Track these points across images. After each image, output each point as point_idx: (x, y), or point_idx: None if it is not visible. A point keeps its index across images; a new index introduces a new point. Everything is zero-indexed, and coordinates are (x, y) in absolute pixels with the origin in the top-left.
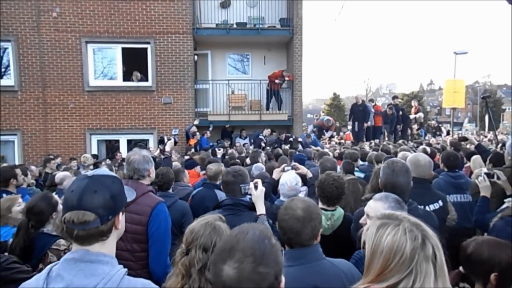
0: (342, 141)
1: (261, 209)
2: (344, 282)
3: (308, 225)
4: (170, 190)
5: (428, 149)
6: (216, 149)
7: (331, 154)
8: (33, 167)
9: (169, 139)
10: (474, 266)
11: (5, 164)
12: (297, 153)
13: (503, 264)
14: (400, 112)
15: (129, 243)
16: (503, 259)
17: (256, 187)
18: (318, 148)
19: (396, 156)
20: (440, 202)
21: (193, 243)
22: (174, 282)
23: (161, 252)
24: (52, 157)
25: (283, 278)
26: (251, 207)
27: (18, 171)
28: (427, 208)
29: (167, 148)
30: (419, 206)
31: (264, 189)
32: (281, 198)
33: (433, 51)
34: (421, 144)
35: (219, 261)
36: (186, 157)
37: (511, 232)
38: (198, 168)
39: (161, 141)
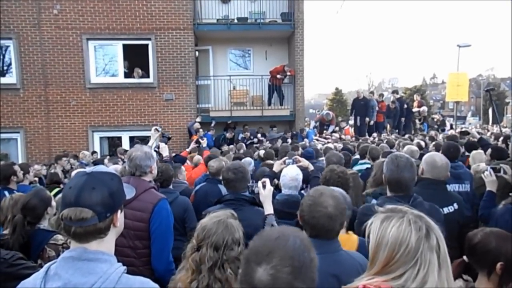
0: (343, 136)
1: (269, 208)
2: (360, 273)
3: (339, 221)
4: (171, 186)
5: (423, 143)
6: (200, 139)
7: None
8: (37, 166)
9: (157, 147)
10: (480, 255)
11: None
12: (307, 147)
13: (509, 255)
14: (405, 106)
15: (131, 240)
16: (510, 250)
17: (264, 186)
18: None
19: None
20: (456, 205)
21: (205, 240)
22: (184, 277)
23: (163, 249)
24: (62, 154)
25: None
26: (252, 201)
27: (17, 167)
28: (441, 211)
29: (165, 153)
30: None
31: (272, 188)
32: (283, 191)
33: (436, 44)
34: (424, 137)
35: (254, 262)
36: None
37: (508, 219)
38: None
39: (156, 152)
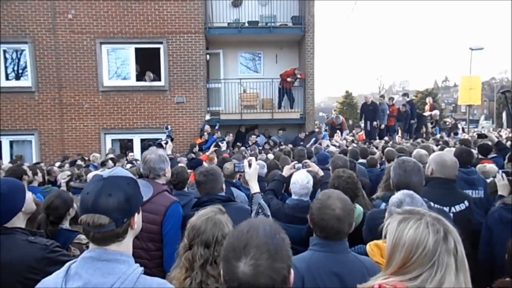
0: (354, 140)
1: (255, 187)
2: (365, 276)
3: (347, 222)
4: (185, 189)
5: (436, 148)
6: (219, 143)
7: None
8: (55, 168)
9: (166, 142)
10: None
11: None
12: (322, 151)
13: None
14: (417, 109)
15: (144, 242)
16: None
17: (250, 165)
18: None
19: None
20: (466, 203)
21: (195, 239)
22: (178, 274)
23: (175, 252)
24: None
25: (292, 270)
26: (228, 200)
27: (25, 167)
28: (453, 209)
29: (168, 151)
30: (444, 208)
31: (258, 167)
32: (293, 196)
33: (448, 47)
34: (438, 141)
35: (233, 259)
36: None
37: (496, 217)
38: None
39: (159, 146)
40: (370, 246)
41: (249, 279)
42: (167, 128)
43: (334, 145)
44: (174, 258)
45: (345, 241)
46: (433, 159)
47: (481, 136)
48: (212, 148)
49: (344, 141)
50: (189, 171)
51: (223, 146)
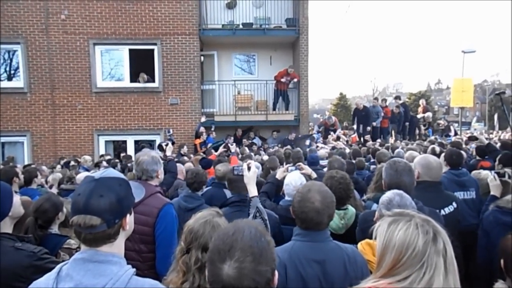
0: (349, 141)
1: (253, 191)
2: (345, 263)
3: (326, 214)
4: (199, 193)
5: (438, 148)
6: (229, 144)
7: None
8: (44, 167)
9: (166, 144)
10: None
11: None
12: (312, 154)
13: None
14: (410, 111)
15: (137, 243)
16: None
17: (249, 168)
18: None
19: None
20: (454, 204)
21: (193, 243)
22: (175, 278)
23: (168, 254)
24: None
25: (276, 272)
26: None
27: (18, 170)
28: (442, 211)
29: (168, 153)
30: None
31: (257, 170)
32: (287, 198)
33: (440, 49)
34: (433, 142)
35: (218, 261)
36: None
37: (492, 220)
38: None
39: (160, 148)
40: (362, 245)
41: (232, 281)
42: (169, 132)
43: (332, 146)
44: (167, 261)
45: (326, 230)
46: (418, 162)
47: (471, 138)
48: (221, 149)
49: (339, 142)
50: None
51: (233, 148)
